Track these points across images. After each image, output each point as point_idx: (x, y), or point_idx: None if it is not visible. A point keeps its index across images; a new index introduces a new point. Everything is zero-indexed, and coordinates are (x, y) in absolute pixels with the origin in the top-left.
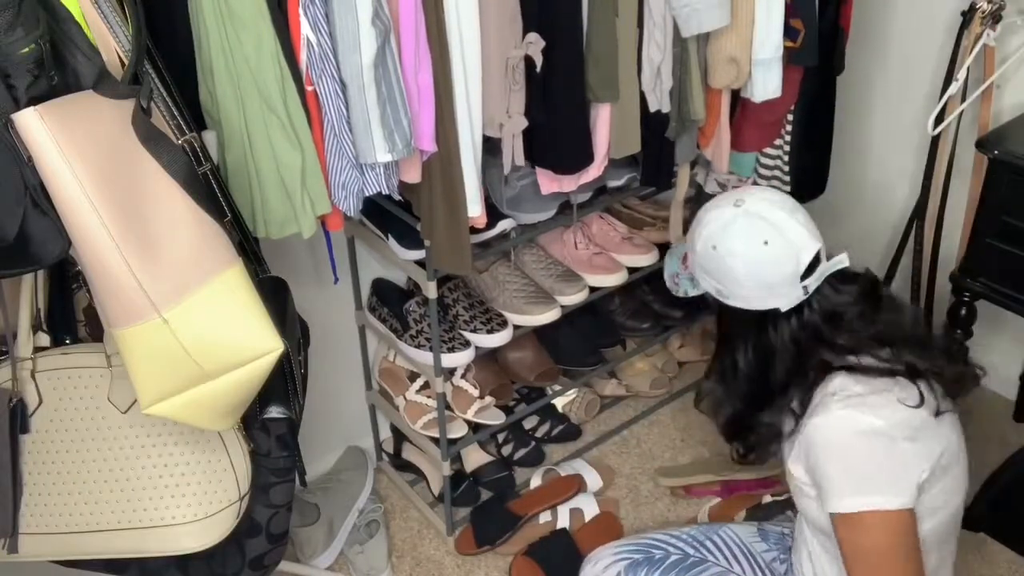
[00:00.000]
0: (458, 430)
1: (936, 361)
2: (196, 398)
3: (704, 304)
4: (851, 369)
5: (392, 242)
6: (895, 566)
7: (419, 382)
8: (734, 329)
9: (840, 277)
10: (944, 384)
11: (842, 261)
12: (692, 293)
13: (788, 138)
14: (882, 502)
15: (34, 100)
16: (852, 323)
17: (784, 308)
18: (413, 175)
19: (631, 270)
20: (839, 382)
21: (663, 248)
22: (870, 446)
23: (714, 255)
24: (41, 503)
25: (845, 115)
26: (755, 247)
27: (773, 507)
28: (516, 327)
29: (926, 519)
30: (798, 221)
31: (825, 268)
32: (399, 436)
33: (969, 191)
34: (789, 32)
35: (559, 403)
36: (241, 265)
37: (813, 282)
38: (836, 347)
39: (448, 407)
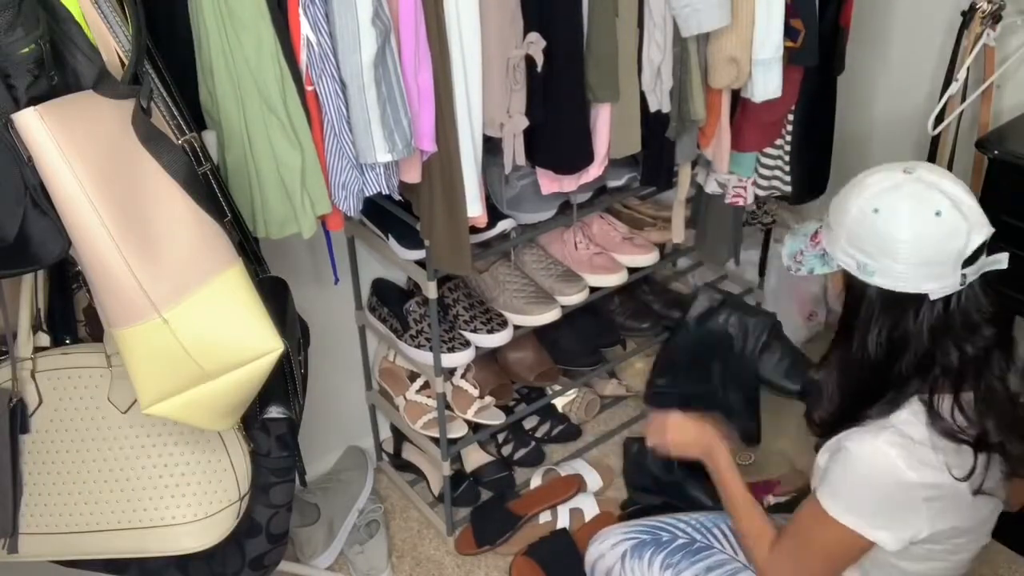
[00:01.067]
0: (458, 430)
1: (1011, 437)
2: (196, 398)
3: None
4: (929, 408)
5: (392, 242)
6: (819, 566)
7: (419, 382)
8: (866, 312)
9: (984, 283)
10: (1007, 461)
11: (1001, 261)
12: (820, 271)
13: (789, 138)
14: (863, 528)
15: (34, 100)
16: (981, 341)
17: (935, 295)
18: (413, 175)
19: (631, 270)
20: (906, 415)
21: (663, 248)
22: (889, 491)
23: (874, 220)
24: (41, 503)
25: (846, 115)
26: (926, 216)
27: (776, 510)
28: (516, 327)
29: (919, 562)
30: (973, 199)
31: (986, 262)
32: (399, 436)
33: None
34: (789, 32)
35: (559, 403)
36: (241, 265)
37: (972, 273)
38: (963, 355)
39: (448, 407)
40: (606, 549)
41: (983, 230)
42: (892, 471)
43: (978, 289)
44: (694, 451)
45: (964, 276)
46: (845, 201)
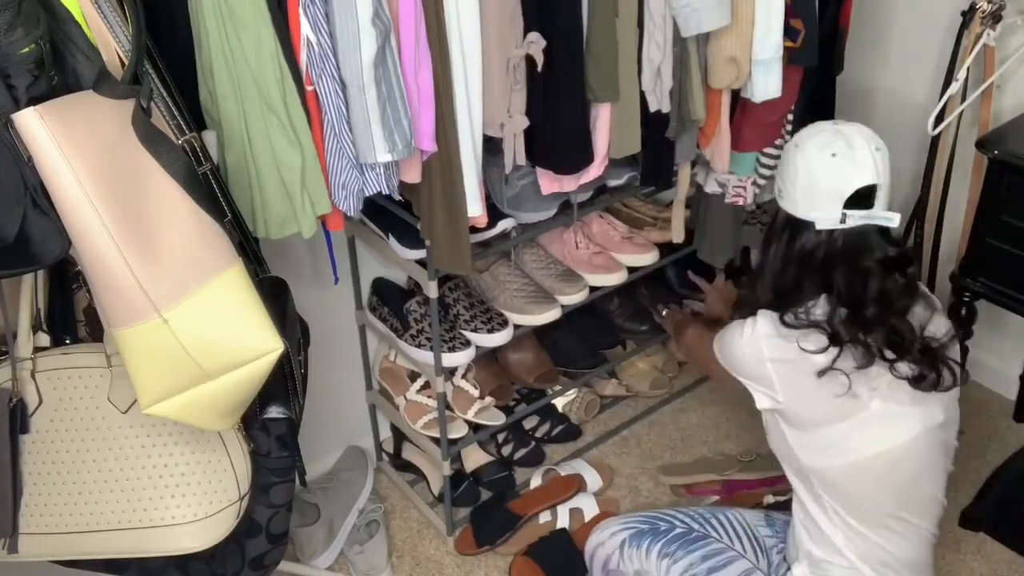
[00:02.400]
0: (458, 430)
1: (878, 340)
2: (196, 398)
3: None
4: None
5: (392, 242)
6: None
7: (419, 382)
8: (774, 228)
9: (886, 238)
10: (877, 357)
11: (891, 219)
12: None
13: (788, 138)
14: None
15: (34, 100)
16: (867, 281)
17: (819, 225)
18: (413, 175)
19: (631, 270)
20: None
21: (663, 248)
22: (739, 346)
23: (791, 153)
24: (41, 503)
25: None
26: (824, 155)
27: (776, 507)
28: (516, 327)
29: (850, 477)
30: (873, 153)
31: (871, 214)
32: (399, 436)
33: (969, 191)
34: (789, 32)
35: (559, 403)
36: (241, 265)
37: (854, 217)
38: (834, 288)
39: (448, 407)
40: (605, 538)
41: (868, 177)
42: (752, 336)
43: (866, 238)
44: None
45: (844, 215)
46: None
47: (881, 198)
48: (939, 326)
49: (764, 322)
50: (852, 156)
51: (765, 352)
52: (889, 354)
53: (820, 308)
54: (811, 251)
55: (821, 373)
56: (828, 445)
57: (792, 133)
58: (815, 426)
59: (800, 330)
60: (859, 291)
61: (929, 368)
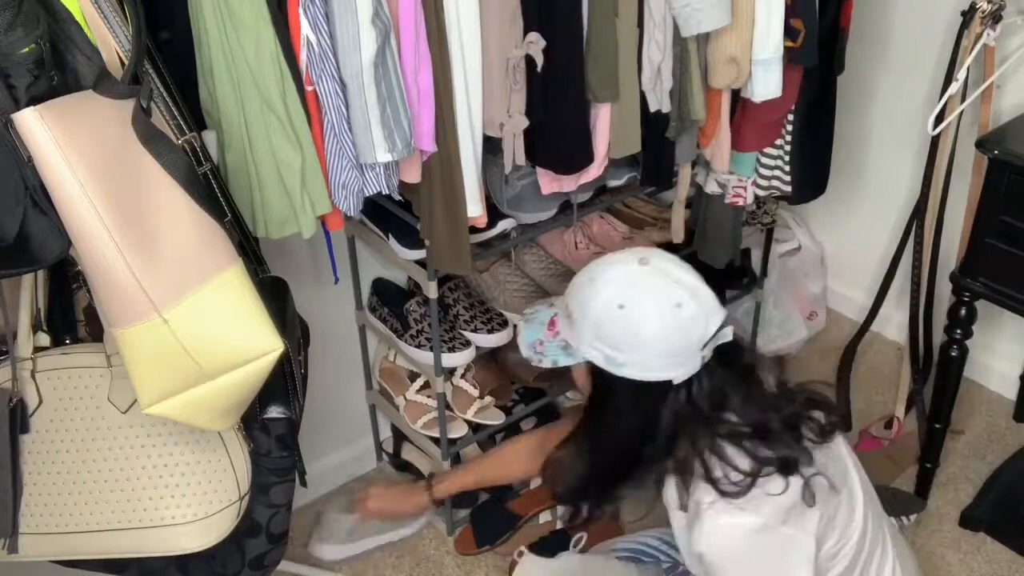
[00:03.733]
0: (458, 430)
1: (801, 441)
2: (196, 398)
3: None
4: (713, 482)
5: (392, 242)
6: None
7: (419, 382)
8: (616, 401)
9: (719, 350)
10: (816, 435)
11: (727, 334)
12: (563, 363)
13: (789, 138)
14: None
15: (34, 100)
16: (733, 406)
17: (678, 380)
18: (413, 175)
19: None
20: (704, 490)
21: (662, 248)
22: (759, 544)
23: (619, 316)
24: (41, 503)
25: (846, 115)
26: (668, 309)
27: None
28: (516, 327)
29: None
30: (706, 286)
31: (717, 338)
32: (399, 436)
33: (969, 191)
34: (789, 32)
35: (566, 404)
36: (241, 265)
37: (708, 352)
38: (715, 430)
39: (448, 407)
40: None
41: (718, 315)
42: (743, 530)
43: (713, 364)
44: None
45: (703, 357)
46: (587, 295)
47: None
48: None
49: (716, 509)
50: (695, 296)
51: (760, 522)
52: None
53: (735, 460)
54: (685, 406)
55: (810, 501)
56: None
57: (792, 133)
58: (841, 537)
59: (748, 494)
60: (748, 422)
61: (827, 411)
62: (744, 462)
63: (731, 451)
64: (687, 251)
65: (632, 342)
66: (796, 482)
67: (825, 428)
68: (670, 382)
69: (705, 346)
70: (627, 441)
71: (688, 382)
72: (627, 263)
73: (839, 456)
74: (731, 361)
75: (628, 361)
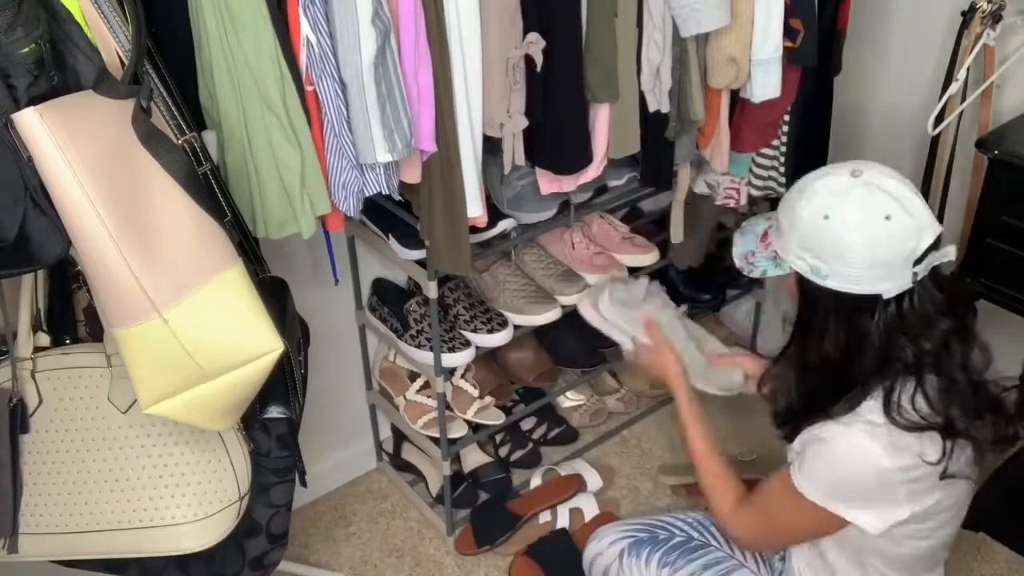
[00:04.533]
0: (458, 430)
1: (979, 423)
2: (196, 398)
3: (701, 304)
4: (887, 403)
5: (392, 242)
6: (782, 535)
7: (419, 382)
8: (822, 313)
9: (936, 276)
10: (974, 444)
11: (949, 254)
12: (772, 273)
13: (784, 139)
14: (846, 512)
15: (34, 100)
16: (939, 334)
17: (889, 295)
18: (413, 175)
19: (631, 270)
20: (873, 405)
21: (663, 248)
22: (868, 479)
23: (825, 227)
24: (41, 503)
25: (845, 115)
26: (876, 220)
27: None
28: (516, 327)
29: (905, 543)
30: (920, 199)
31: (935, 257)
32: (399, 436)
33: (969, 191)
34: (788, 32)
35: (565, 404)
36: (241, 265)
37: (923, 270)
38: (920, 350)
39: (448, 407)
40: (604, 547)
41: (932, 229)
42: (870, 460)
43: (929, 284)
44: (662, 379)
45: (915, 274)
46: (795, 206)
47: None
48: (992, 366)
49: (870, 431)
50: (906, 209)
51: (889, 467)
52: (962, 416)
53: (911, 396)
54: (884, 327)
55: (944, 477)
56: (916, 530)
57: (788, 134)
58: (920, 521)
59: (915, 433)
60: (945, 359)
61: (1006, 424)
62: (923, 403)
63: (916, 387)
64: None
65: (835, 252)
66: (947, 462)
67: (1001, 433)
68: (879, 297)
69: (919, 263)
70: (833, 356)
71: (899, 299)
72: (839, 174)
73: (966, 474)
74: (950, 293)
75: (833, 272)
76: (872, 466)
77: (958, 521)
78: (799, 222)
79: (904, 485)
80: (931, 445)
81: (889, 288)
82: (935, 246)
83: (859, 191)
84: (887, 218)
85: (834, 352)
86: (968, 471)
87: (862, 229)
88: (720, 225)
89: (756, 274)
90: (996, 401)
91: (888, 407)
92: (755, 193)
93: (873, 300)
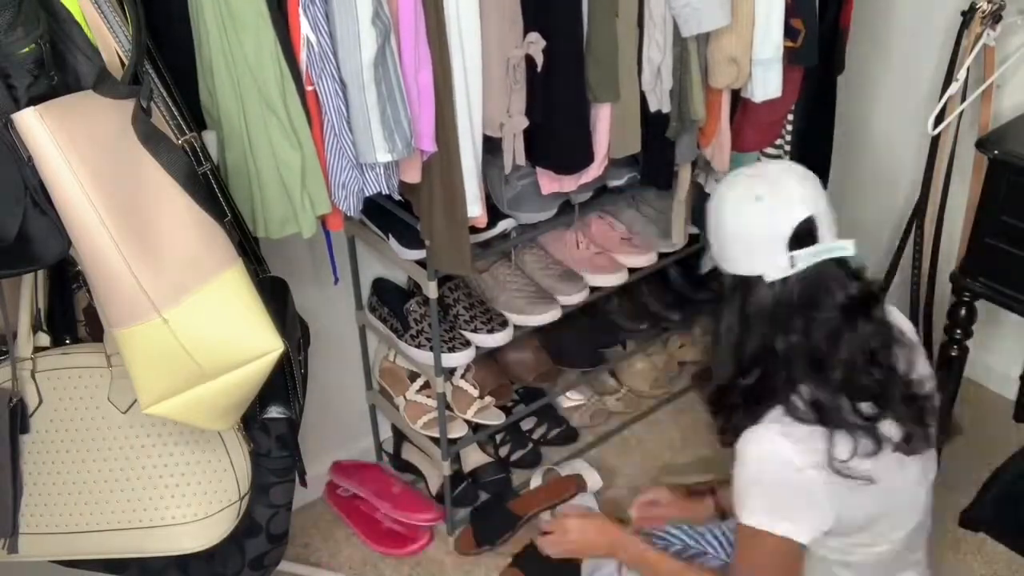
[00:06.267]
0: (458, 430)
1: (886, 421)
2: (196, 398)
3: (701, 305)
4: (790, 409)
5: (392, 242)
6: None
7: (419, 382)
8: (723, 295)
9: (845, 270)
10: (897, 446)
11: (844, 248)
12: (706, 268)
13: (788, 138)
14: (767, 524)
15: (34, 100)
16: (825, 323)
17: (769, 277)
18: (413, 175)
19: (631, 270)
20: (777, 409)
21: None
22: (782, 479)
23: (715, 210)
24: (41, 503)
25: (846, 115)
26: (747, 202)
27: None
28: (516, 327)
29: (854, 551)
30: (799, 183)
31: (821, 249)
32: (399, 436)
33: (969, 191)
34: (789, 32)
35: (565, 404)
36: (241, 265)
37: (803, 258)
38: (805, 337)
39: (448, 407)
40: (603, 562)
41: (796, 211)
42: (780, 458)
43: (823, 280)
44: (600, 551)
45: (792, 259)
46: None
47: (824, 229)
48: (923, 370)
49: (777, 430)
50: (777, 193)
51: (799, 464)
52: (869, 410)
53: (811, 392)
54: (768, 307)
55: (861, 477)
56: (859, 533)
57: (792, 133)
58: (859, 527)
59: (817, 429)
60: (825, 346)
61: (916, 423)
62: (826, 398)
63: (809, 382)
64: (690, 251)
65: (717, 234)
66: (859, 462)
67: (908, 435)
68: (761, 277)
69: (797, 247)
70: (731, 335)
71: (783, 281)
72: (747, 167)
73: (911, 480)
74: (843, 300)
75: (721, 255)
76: (782, 464)
77: (911, 524)
78: (708, 210)
79: (824, 486)
80: (842, 444)
81: (766, 271)
82: (811, 232)
83: (743, 178)
84: (758, 199)
85: (727, 333)
86: (898, 475)
87: (734, 210)
88: None
89: (703, 270)
90: (911, 399)
91: (787, 404)
92: None
93: (757, 282)
